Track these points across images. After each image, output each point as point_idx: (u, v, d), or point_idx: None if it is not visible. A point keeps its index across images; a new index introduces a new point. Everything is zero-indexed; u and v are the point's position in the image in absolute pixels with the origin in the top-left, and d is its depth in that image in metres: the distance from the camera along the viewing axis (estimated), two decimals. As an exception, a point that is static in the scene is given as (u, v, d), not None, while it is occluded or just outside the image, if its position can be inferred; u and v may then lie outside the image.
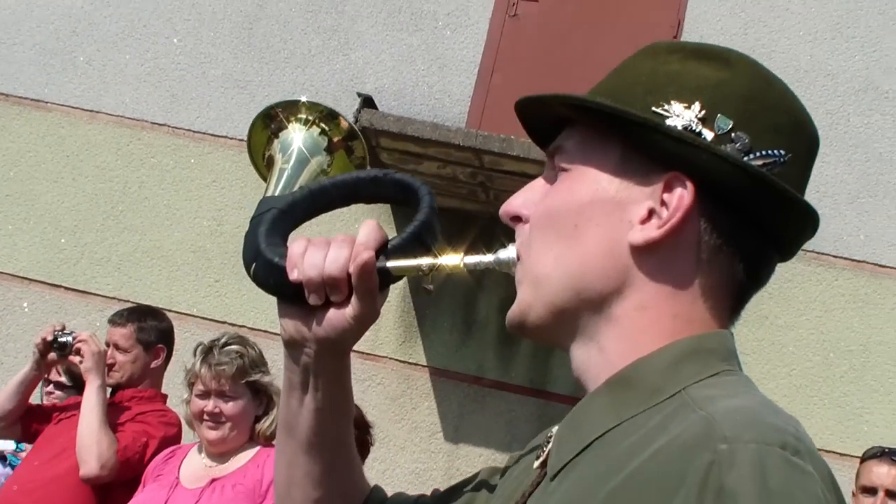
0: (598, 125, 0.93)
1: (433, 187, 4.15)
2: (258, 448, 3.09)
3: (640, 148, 0.91)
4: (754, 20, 5.60)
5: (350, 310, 0.96)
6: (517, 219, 0.98)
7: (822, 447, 5.20)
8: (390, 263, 0.96)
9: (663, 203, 0.89)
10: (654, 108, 0.89)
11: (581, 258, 0.90)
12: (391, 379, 5.32)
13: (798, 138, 0.92)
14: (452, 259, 0.97)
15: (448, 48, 5.61)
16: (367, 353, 5.31)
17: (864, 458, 3.31)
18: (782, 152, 0.89)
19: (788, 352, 5.22)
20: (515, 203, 0.99)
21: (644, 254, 0.89)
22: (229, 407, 3.02)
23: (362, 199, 1.07)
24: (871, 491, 3.17)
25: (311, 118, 1.14)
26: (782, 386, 5.26)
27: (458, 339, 5.36)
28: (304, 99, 1.17)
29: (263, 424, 3.10)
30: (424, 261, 0.96)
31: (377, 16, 5.74)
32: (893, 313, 5.29)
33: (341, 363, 1.04)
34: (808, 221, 0.92)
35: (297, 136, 1.14)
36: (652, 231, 0.89)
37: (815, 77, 5.53)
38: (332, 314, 0.96)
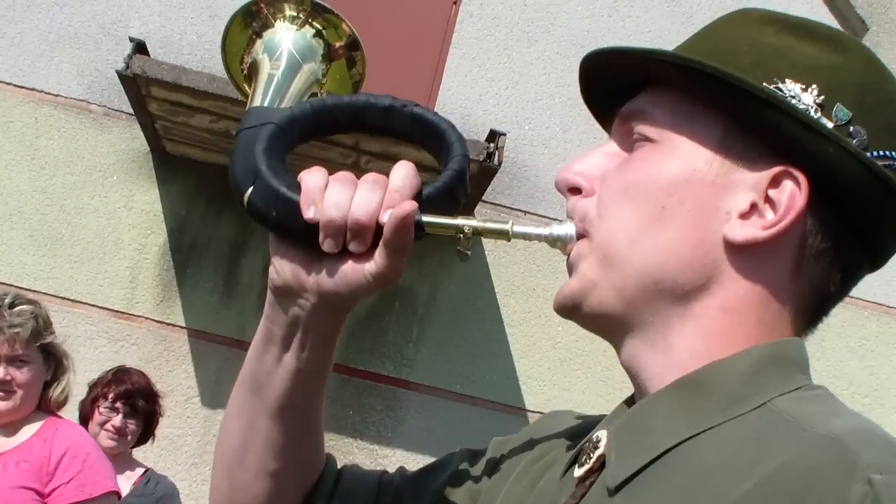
0: (697, 92, 0.86)
1: (203, 142, 4.31)
2: (45, 419, 2.99)
3: (749, 127, 0.84)
4: None
5: (372, 265, 0.86)
6: (576, 190, 0.91)
7: None
8: (426, 218, 0.88)
9: (767, 199, 0.84)
10: (765, 84, 0.83)
11: (666, 245, 0.85)
12: (147, 340, 5.35)
13: None
14: (499, 224, 0.90)
15: None
16: (122, 312, 5.33)
17: None
18: None
19: (554, 325, 5.53)
20: (577, 171, 0.91)
21: (739, 251, 0.84)
22: (23, 374, 2.91)
23: (368, 128, 0.97)
24: None
25: (303, 16, 1.04)
26: (546, 358, 5.61)
27: (219, 300, 5.43)
28: None
29: (55, 391, 3.01)
30: (466, 221, 0.89)
31: None
32: (657, 290, 6.00)
33: (339, 322, 0.95)
34: None
35: (285, 35, 1.04)
36: (756, 230, 0.83)
37: (591, 53, 6.17)
38: (349, 267, 0.87)
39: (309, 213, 0.86)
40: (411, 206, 0.85)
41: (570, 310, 0.89)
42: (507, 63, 5.87)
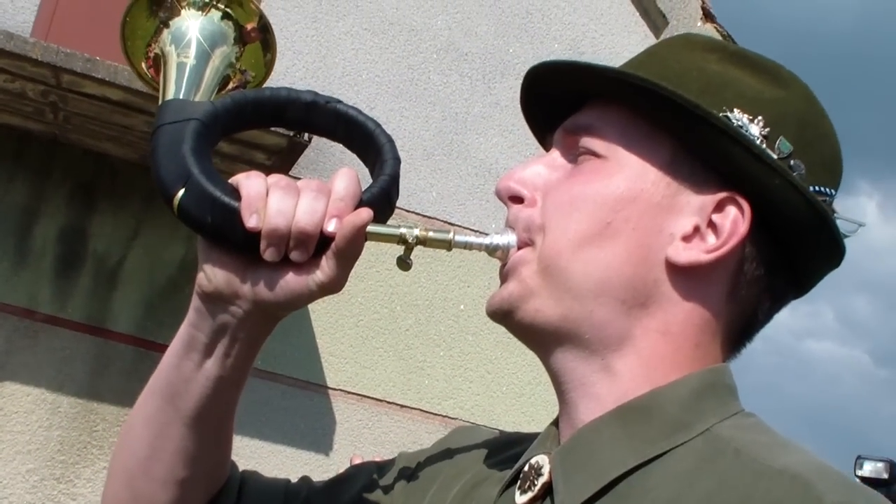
0: (648, 113, 0.93)
1: None
2: None
3: (698, 152, 0.91)
4: None
5: (320, 275, 0.92)
6: (517, 199, 0.97)
7: (384, 398, 5.97)
8: (371, 228, 0.92)
9: (710, 223, 0.91)
10: (715, 112, 0.90)
11: (608, 260, 0.91)
12: None
13: (838, 177, 0.96)
14: (441, 234, 0.95)
15: None
16: None
17: None
18: (832, 191, 0.94)
19: (357, 302, 5.99)
20: (519, 179, 0.98)
21: (680, 274, 0.91)
22: None
23: (289, 123, 1.03)
24: None
25: (207, 1, 1.07)
26: (349, 336, 5.99)
27: (8, 268, 5.61)
28: None
29: None
30: (410, 230, 0.94)
31: None
32: (458, 271, 6.20)
33: (269, 329, 0.99)
34: (836, 264, 0.96)
35: (193, 23, 1.06)
36: (698, 254, 0.91)
37: (400, 31, 6.28)
38: (290, 275, 0.92)
39: (251, 222, 0.90)
40: (368, 214, 0.91)
41: (505, 314, 0.95)
42: (314, 36, 6.17)
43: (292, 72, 6.16)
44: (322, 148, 6.08)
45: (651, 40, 6.77)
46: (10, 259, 5.69)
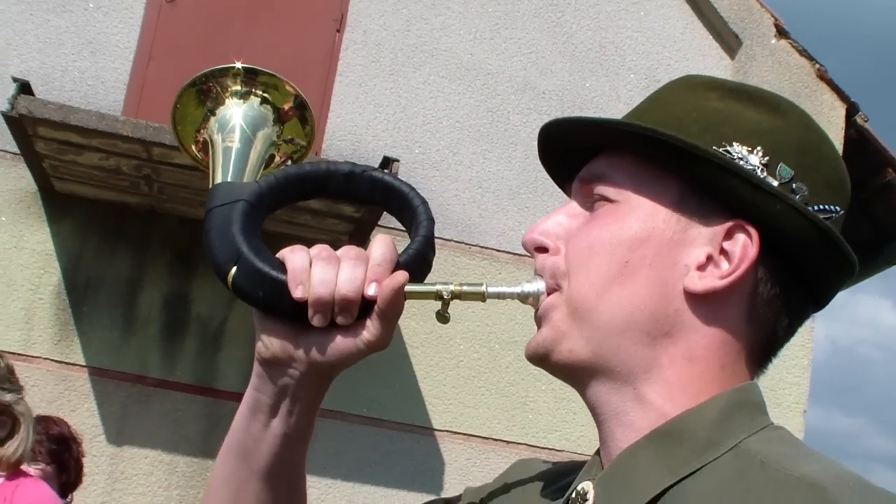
0: (654, 157, 0.99)
1: (92, 179, 4.65)
2: (2, 478, 3.02)
3: (702, 188, 0.97)
4: (416, 17, 6.34)
5: (367, 335, 0.98)
6: (543, 249, 1.03)
7: (490, 436, 5.95)
8: (409, 287, 0.98)
9: (722, 251, 0.97)
10: (715, 148, 0.97)
11: (630, 297, 0.97)
12: (47, 380, 5.64)
13: (843, 194, 1.01)
14: (474, 287, 1.01)
15: (100, 32, 5.96)
16: (20, 354, 5.53)
17: None
18: (837, 208, 0.99)
19: (456, 344, 6.01)
20: (542, 231, 1.03)
21: (699, 301, 0.97)
22: None
23: (330, 194, 1.08)
24: None
25: (248, 88, 1.14)
26: (451, 378, 6.02)
27: (118, 336, 5.75)
28: (238, 64, 1.14)
29: (8, 450, 3.03)
30: (445, 286, 1.00)
31: None
32: (554, 305, 6.61)
33: (325, 387, 1.05)
34: (850, 276, 1.01)
35: (236, 111, 1.14)
36: (713, 280, 0.96)
37: (477, 76, 6.35)
38: (339, 338, 0.98)
39: (298, 293, 0.96)
40: (403, 276, 0.97)
41: (542, 357, 1.01)
42: (393, 88, 6.26)
43: (374, 124, 6.26)
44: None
45: (726, 62, 6.73)
46: (118, 328, 5.85)
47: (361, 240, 5.53)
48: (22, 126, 5.15)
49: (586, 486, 0.99)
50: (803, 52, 6.65)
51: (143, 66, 5.99)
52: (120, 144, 5.14)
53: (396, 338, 6.08)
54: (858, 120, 6.58)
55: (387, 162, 5.47)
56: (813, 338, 6.60)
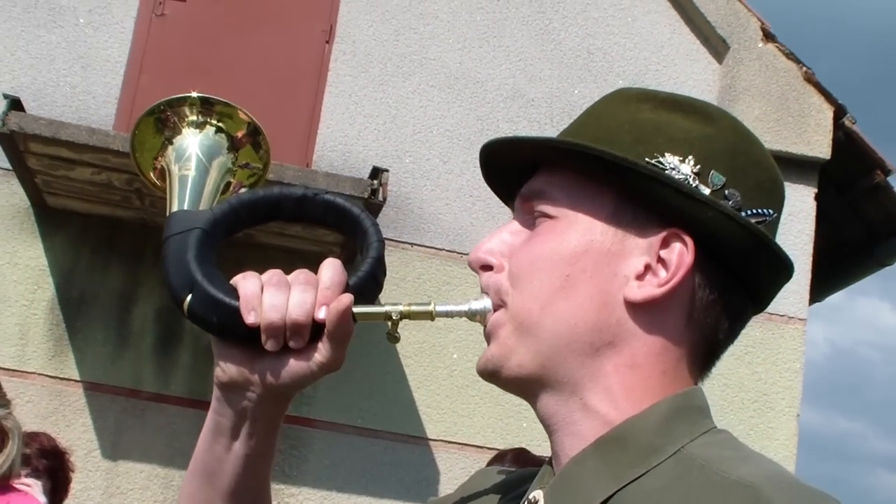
0: (588, 171, 1.01)
1: (84, 194, 4.69)
2: None
3: (637, 199, 1.00)
4: (405, 27, 6.34)
5: (319, 357, 1.00)
6: (487, 267, 1.05)
7: (485, 444, 5.91)
8: (358, 309, 1.01)
9: (660, 259, 0.99)
10: (647, 159, 0.99)
11: (573, 309, 0.99)
12: (41, 396, 5.64)
13: (777, 196, 1.04)
14: (422, 307, 1.04)
15: (91, 47, 5.98)
16: (14, 370, 5.59)
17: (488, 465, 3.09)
18: (770, 211, 1.01)
19: (449, 353, 6.00)
20: (486, 250, 1.06)
21: (639, 310, 0.99)
22: None
23: (284, 217, 1.11)
24: None
25: (203, 119, 1.18)
26: (444, 387, 6.02)
27: (112, 351, 5.76)
28: (194, 94, 1.18)
29: None
30: (393, 307, 1.03)
31: (11, 10, 5.99)
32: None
33: (283, 408, 1.08)
34: (787, 277, 1.03)
35: (192, 140, 1.18)
36: (652, 289, 0.98)
37: (466, 84, 6.36)
38: (293, 361, 1.01)
39: (250, 318, 0.99)
40: (348, 298, 1.00)
41: (491, 373, 1.03)
42: (383, 98, 6.27)
43: (365, 134, 6.27)
44: (400, 206, 6.14)
45: (714, 66, 6.74)
46: (112, 343, 5.85)
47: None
48: (13, 142, 5.17)
49: (537, 494, 1.02)
50: (790, 56, 6.66)
51: (134, 79, 6.01)
52: (111, 159, 5.15)
53: (390, 349, 6.09)
54: (846, 122, 6.59)
55: (376, 172, 5.47)
56: (805, 341, 6.60)
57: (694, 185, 0.98)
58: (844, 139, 6.61)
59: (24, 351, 5.76)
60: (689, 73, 6.70)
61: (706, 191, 0.99)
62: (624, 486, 0.95)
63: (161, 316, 5.86)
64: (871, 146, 6.68)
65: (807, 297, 6.60)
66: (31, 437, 4.03)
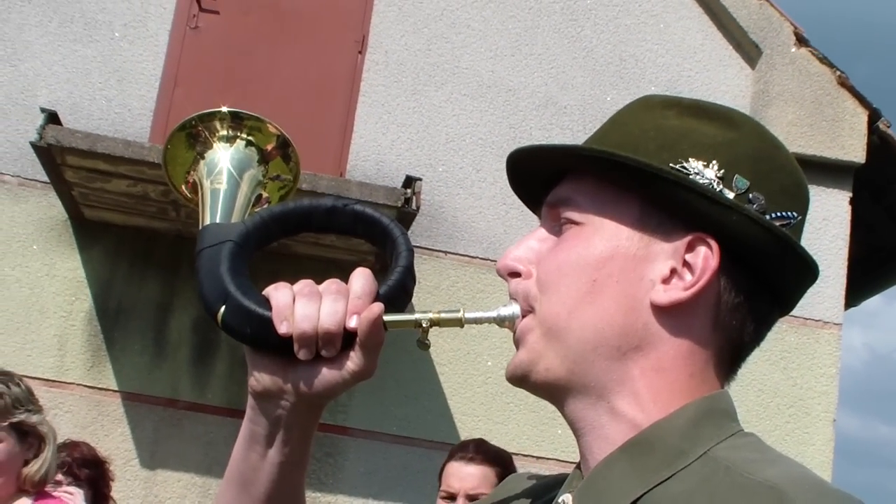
0: (613, 178, 1.02)
1: (121, 206, 4.79)
2: (29, 499, 3.07)
3: (661, 204, 1.00)
4: (437, 36, 6.37)
5: (351, 365, 1.02)
6: (515, 274, 1.07)
7: (520, 451, 5.81)
8: (389, 318, 1.02)
9: (685, 263, 1.00)
10: (671, 165, 1.00)
11: (600, 315, 1.00)
12: (80, 406, 5.69)
13: (801, 200, 1.04)
14: (451, 314, 1.04)
15: (126, 60, 6.05)
16: (53, 380, 5.65)
17: (450, 457, 3.22)
18: (795, 214, 1.02)
19: (483, 360, 6.00)
20: (514, 257, 1.07)
21: (665, 313, 1.00)
22: None
23: (314, 228, 1.12)
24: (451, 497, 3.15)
25: (233, 133, 1.19)
26: (479, 394, 6.02)
27: (149, 361, 5.80)
28: (224, 109, 1.20)
29: (31, 468, 3.05)
30: (423, 315, 1.04)
31: (47, 25, 6.06)
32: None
33: (317, 416, 1.09)
34: (812, 280, 1.04)
35: (223, 154, 1.19)
36: (678, 293, 0.99)
37: (498, 93, 6.36)
38: (325, 369, 1.02)
39: (283, 329, 1.00)
40: (379, 307, 1.00)
41: (521, 378, 1.04)
42: (416, 108, 6.29)
43: (398, 144, 6.28)
44: (434, 215, 6.15)
45: (747, 72, 6.71)
46: (149, 353, 5.90)
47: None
48: (51, 155, 5.23)
49: (566, 498, 1.03)
50: (824, 60, 6.62)
51: (169, 92, 6.06)
52: (147, 171, 5.19)
53: (425, 356, 6.10)
54: (881, 126, 6.54)
55: (409, 181, 5.49)
56: (840, 346, 6.53)
57: (718, 189, 0.99)
58: (879, 143, 6.55)
59: (63, 361, 5.81)
60: (722, 79, 6.66)
61: (730, 195, 0.99)
62: (651, 489, 0.95)
63: (197, 326, 5.90)
64: (906, 150, 6.61)
65: (842, 301, 6.53)
66: (71, 447, 4.12)
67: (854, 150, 6.46)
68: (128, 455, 5.77)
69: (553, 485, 1.13)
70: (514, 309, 1.06)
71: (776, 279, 1.02)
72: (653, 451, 0.97)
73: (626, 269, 1.01)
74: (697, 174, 1.00)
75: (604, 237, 1.02)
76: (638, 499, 0.95)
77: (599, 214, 1.03)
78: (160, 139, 5.74)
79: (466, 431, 6.04)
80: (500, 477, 3.03)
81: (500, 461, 3.23)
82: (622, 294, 1.00)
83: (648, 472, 0.96)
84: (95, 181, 5.43)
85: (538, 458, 6.11)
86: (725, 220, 0.98)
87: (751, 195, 1.00)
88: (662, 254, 1.01)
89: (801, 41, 6.67)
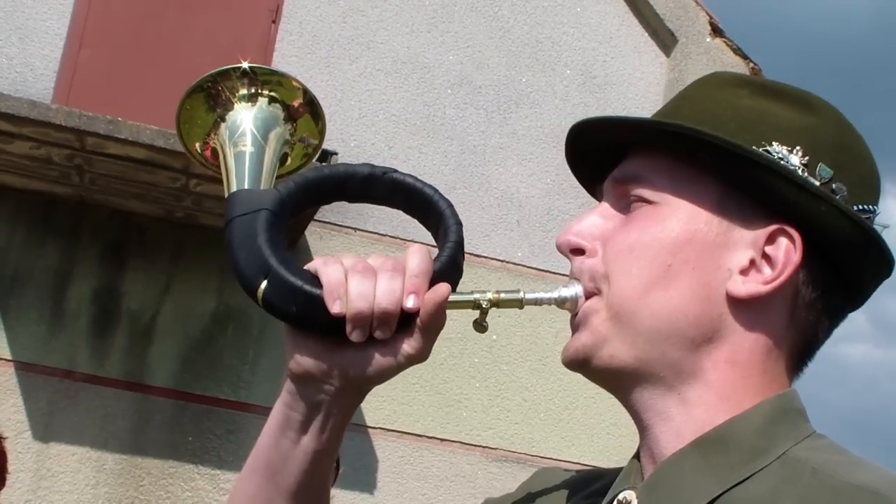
0: (690, 157, 0.96)
1: (22, 169, 4.71)
2: None
3: (744, 188, 0.95)
4: (353, 9, 6.31)
5: (407, 348, 0.95)
6: (579, 251, 1.00)
7: (424, 433, 5.94)
8: (449, 298, 0.95)
9: (764, 255, 0.95)
10: (755, 147, 0.94)
11: (673, 301, 0.95)
12: None
13: (877, 193, 1.00)
14: (511, 294, 0.98)
15: (29, 18, 5.84)
16: None
17: None
18: (874, 207, 0.98)
19: None
20: (577, 232, 1.01)
21: (742, 306, 0.95)
22: None
23: (349, 197, 1.05)
24: None
25: (254, 90, 1.11)
26: None
27: (45, 331, 5.66)
28: (245, 64, 1.11)
29: None
30: (482, 295, 0.97)
31: None
32: (489, 300, 6.61)
33: (359, 401, 1.02)
34: (888, 274, 1.00)
35: (245, 115, 1.11)
36: (757, 286, 0.94)
37: (413, 69, 6.34)
38: (378, 351, 0.95)
39: (336, 308, 0.93)
40: (446, 288, 0.94)
41: (581, 362, 0.98)
42: (329, 81, 6.23)
43: (310, 117, 6.20)
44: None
45: (661, 59, 6.78)
46: (46, 322, 5.75)
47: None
48: (-55, 116, 5.01)
49: (629, 494, 0.97)
50: (738, 51, 6.72)
51: (74, 53, 5.87)
52: (52, 133, 5.07)
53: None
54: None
55: (325, 155, 5.42)
56: None
57: (804, 176, 0.94)
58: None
59: (-46, 329, 5.61)
60: (637, 65, 6.73)
61: (816, 183, 0.95)
62: (728, 490, 0.91)
63: (97, 296, 5.79)
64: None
65: None
66: None
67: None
68: (20, 427, 5.63)
69: (591, 479, 1.09)
70: (577, 289, 1.00)
71: (855, 273, 0.98)
72: (727, 448, 0.93)
73: (703, 255, 0.96)
74: (783, 159, 0.94)
75: (681, 219, 0.96)
76: (715, 499, 0.91)
77: (675, 194, 0.97)
78: (64, 101, 5.60)
79: (371, 412, 6.05)
80: None
81: None
82: (698, 282, 0.95)
83: (724, 470, 0.92)
84: (-6, 142, 5.21)
85: (442, 440, 6.16)
86: (813, 209, 0.93)
87: (834, 185, 0.95)
88: (742, 242, 0.96)
89: (717, 31, 6.76)
